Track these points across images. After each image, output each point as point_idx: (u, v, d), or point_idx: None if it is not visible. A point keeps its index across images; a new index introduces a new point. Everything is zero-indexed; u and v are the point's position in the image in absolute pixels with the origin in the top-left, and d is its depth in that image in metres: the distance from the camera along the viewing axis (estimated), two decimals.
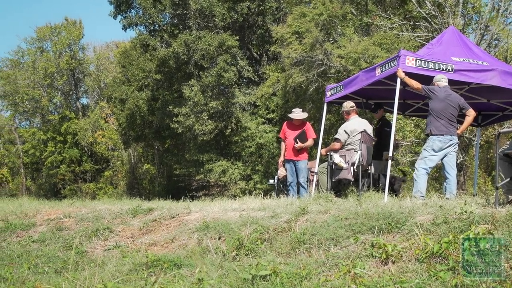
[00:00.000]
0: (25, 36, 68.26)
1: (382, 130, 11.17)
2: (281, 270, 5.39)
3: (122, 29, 30.72)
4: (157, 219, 9.17)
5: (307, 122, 11.98)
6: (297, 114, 11.74)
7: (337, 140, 10.23)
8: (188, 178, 32.72)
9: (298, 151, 11.40)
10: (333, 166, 10.07)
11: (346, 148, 10.11)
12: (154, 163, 43.44)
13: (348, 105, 10.52)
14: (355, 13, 22.17)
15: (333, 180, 10.14)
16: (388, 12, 21.72)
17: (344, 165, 9.90)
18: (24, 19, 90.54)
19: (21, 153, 52.24)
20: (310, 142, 11.52)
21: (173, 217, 9.13)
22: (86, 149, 48.76)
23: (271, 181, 14.20)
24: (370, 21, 21.26)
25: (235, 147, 29.26)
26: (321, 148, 11.46)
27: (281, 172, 12.04)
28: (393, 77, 9.35)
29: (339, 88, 11.19)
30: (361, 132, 10.00)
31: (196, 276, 5.46)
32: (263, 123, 28.08)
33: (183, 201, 11.23)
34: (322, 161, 11.44)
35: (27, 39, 50.82)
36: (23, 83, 49.07)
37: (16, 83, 49.26)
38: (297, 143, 11.29)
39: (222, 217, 8.39)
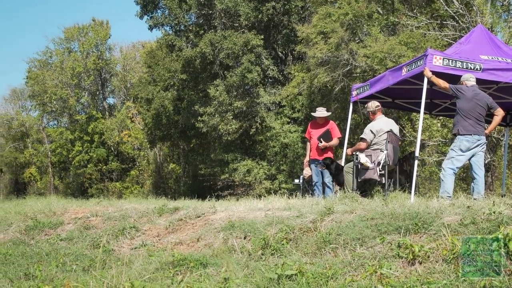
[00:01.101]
0: (53, 37, 69.08)
1: None
2: (307, 270, 5.38)
3: (148, 29, 31.06)
4: (183, 218, 9.21)
5: (332, 121, 11.94)
6: (319, 112, 11.74)
7: (363, 139, 10.17)
8: (213, 177, 32.84)
9: (322, 151, 11.38)
10: (359, 166, 10.01)
11: (372, 148, 10.04)
12: (180, 163, 43.68)
13: (374, 105, 10.42)
14: (381, 12, 22.02)
15: (358, 180, 10.09)
16: (415, 11, 21.54)
17: (370, 165, 9.83)
18: (52, 20, 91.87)
19: (49, 153, 52.94)
20: (334, 141, 11.48)
21: (199, 217, 9.15)
22: (112, 148, 49.22)
23: (296, 181, 14.20)
24: (397, 20, 21.09)
25: (260, 147, 29.28)
26: (347, 148, 11.42)
27: (307, 172, 12.02)
28: (420, 76, 9.27)
29: (365, 88, 11.13)
30: (387, 131, 9.92)
31: (222, 275, 5.48)
32: (288, 123, 28.06)
33: (209, 200, 11.27)
34: (347, 161, 11.39)
35: (55, 40, 51.57)
36: (51, 83, 49.69)
37: (44, 83, 49.93)
38: (321, 142, 11.28)
39: (248, 216, 8.39)
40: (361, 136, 10.31)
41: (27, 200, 16.19)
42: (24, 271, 6.98)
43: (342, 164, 11.19)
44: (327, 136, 11.43)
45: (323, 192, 11.27)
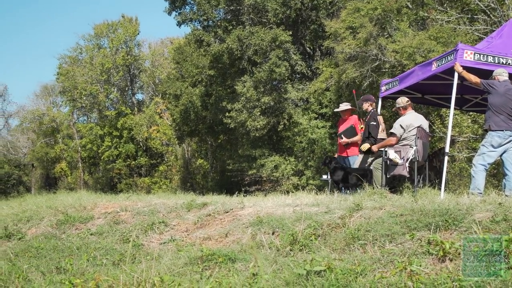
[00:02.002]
0: (83, 34, 69.87)
1: (369, 124, 10.97)
2: (336, 266, 5.36)
3: (177, 25, 31.13)
4: (211, 213, 9.24)
5: (357, 117, 11.88)
6: (340, 106, 11.80)
7: (392, 134, 10.08)
8: (241, 173, 32.90)
9: (344, 147, 11.36)
10: (388, 162, 9.93)
11: (401, 144, 9.95)
12: (207, 158, 43.86)
13: (404, 100, 10.32)
14: (410, 6, 21.81)
15: (387, 176, 10.01)
16: (445, 5, 21.27)
17: (399, 161, 9.74)
18: (82, 17, 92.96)
19: (79, 148, 53.56)
20: (358, 137, 11.40)
21: (227, 212, 9.18)
22: (141, 144, 49.61)
23: (324, 176, 14.17)
24: (426, 14, 20.87)
25: (287, 143, 29.23)
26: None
27: None
28: (450, 71, 9.16)
29: (394, 83, 11.05)
30: (417, 127, 9.83)
31: (251, 271, 5.48)
32: (316, 118, 27.94)
33: (237, 196, 11.29)
34: (376, 157, 11.31)
35: (85, 36, 52.11)
36: (81, 79, 50.24)
37: (74, 79, 50.48)
38: (342, 138, 11.28)
39: (276, 212, 8.39)
40: (390, 131, 10.23)
41: (58, 195, 16.43)
42: (56, 265, 7.08)
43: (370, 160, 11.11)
44: (351, 132, 11.39)
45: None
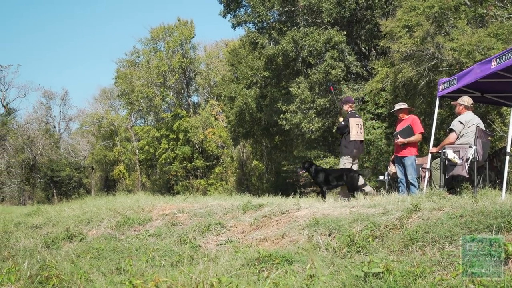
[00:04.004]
0: (140, 37, 71.24)
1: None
2: (394, 267, 5.30)
3: (232, 27, 31.27)
4: (267, 215, 9.26)
5: (414, 116, 11.71)
6: (395, 106, 11.73)
7: (451, 131, 9.90)
8: (296, 174, 32.83)
9: (401, 147, 11.23)
10: (447, 162, 9.75)
11: (459, 142, 9.76)
12: (263, 160, 43.97)
13: (470, 101, 10.13)
14: (468, 3, 21.33)
15: (446, 177, 9.82)
16: (505, 1, 20.71)
17: (458, 161, 9.55)
18: (140, 21, 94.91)
19: (137, 150, 54.53)
20: (415, 137, 11.24)
21: (283, 213, 9.18)
22: (197, 146, 50.10)
23: (381, 177, 14.05)
24: (485, 11, 20.36)
25: None
26: (433, 145, 11.15)
27: (391, 168, 11.88)
28: (510, 69, 8.92)
29: (452, 82, 10.83)
30: (476, 125, 9.62)
31: (308, 272, 5.47)
32: (371, 118, 27.61)
33: (292, 197, 11.27)
34: (434, 157, 11.12)
35: (142, 40, 53.01)
36: (138, 82, 51.14)
37: (131, 82, 51.43)
38: (398, 138, 11.16)
39: (332, 213, 8.35)
40: (449, 128, 10.05)
41: (117, 197, 16.80)
42: (116, 265, 7.22)
43: (429, 162, 10.90)
44: (407, 131, 11.24)
45: (408, 189, 11.07)
